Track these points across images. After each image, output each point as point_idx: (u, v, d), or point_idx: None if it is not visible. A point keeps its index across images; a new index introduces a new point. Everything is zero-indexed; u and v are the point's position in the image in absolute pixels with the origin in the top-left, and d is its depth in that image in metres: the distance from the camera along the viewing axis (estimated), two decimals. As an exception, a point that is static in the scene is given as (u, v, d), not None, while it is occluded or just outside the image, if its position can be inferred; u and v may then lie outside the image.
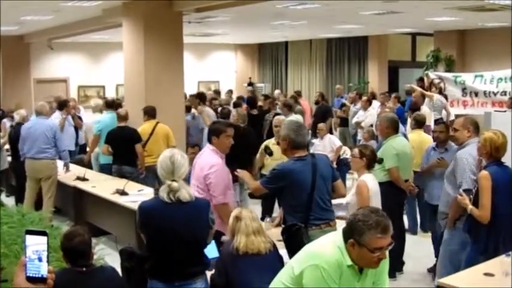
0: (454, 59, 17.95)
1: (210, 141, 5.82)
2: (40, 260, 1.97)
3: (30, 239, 1.98)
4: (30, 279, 1.97)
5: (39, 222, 6.54)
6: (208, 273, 4.55)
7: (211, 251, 4.85)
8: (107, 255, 5.83)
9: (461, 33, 18.07)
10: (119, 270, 4.43)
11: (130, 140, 9.51)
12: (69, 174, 9.80)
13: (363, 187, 5.79)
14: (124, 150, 9.48)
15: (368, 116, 12.85)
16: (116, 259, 4.89)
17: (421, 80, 16.23)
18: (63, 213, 9.53)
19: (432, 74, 15.53)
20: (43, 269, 1.97)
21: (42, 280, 1.97)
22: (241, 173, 5.71)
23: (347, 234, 3.35)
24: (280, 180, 5.17)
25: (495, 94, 14.17)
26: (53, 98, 14.52)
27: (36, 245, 1.98)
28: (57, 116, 11.86)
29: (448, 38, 18.03)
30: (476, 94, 14.62)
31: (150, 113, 9.96)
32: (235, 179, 8.10)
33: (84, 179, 9.29)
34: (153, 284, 4.27)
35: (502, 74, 14.26)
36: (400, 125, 8.68)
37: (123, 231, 8.07)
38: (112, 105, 11.07)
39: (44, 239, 1.98)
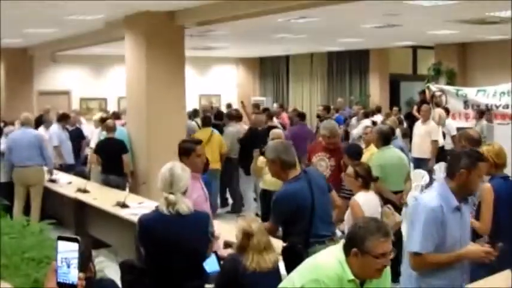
0: (456, 72, 17.98)
1: (181, 161, 5.31)
2: (70, 266, 1.98)
3: (61, 245, 2.00)
4: (61, 285, 1.98)
5: (40, 233, 6.54)
6: (207, 287, 4.53)
7: (211, 264, 4.83)
8: (106, 267, 5.82)
9: (462, 46, 18.12)
10: (118, 283, 4.43)
11: (117, 150, 10.06)
12: (70, 186, 9.95)
13: (354, 206, 5.77)
14: (111, 161, 10.02)
15: (359, 127, 12.92)
16: (116, 272, 4.89)
17: (422, 93, 16.26)
18: (64, 225, 9.54)
19: (433, 87, 15.55)
20: (72, 276, 1.98)
21: (71, 287, 1.98)
22: None
23: (349, 245, 3.35)
24: (285, 208, 4.96)
25: (497, 107, 14.18)
26: (43, 111, 14.66)
27: (66, 251, 1.99)
28: (55, 129, 11.92)
29: (449, 51, 18.08)
30: (478, 107, 14.63)
31: (203, 121, 11.43)
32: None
33: (85, 191, 9.31)
34: (152, 298, 4.27)
35: (504, 88, 14.28)
36: (398, 139, 8.73)
37: (123, 243, 8.06)
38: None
39: (75, 245, 2.00)
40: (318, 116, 15.20)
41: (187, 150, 5.49)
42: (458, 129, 12.26)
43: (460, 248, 4.05)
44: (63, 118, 12.36)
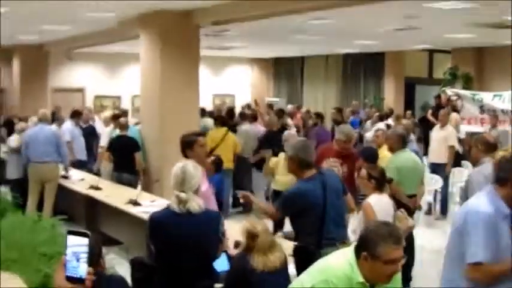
0: (472, 77, 17.85)
1: (185, 155, 5.51)
2: (79, 260, 1.97)
3: (71, 240, 1.98)
4: (69, 279, 1.96)
5: (52, 229, 6.55)
6: (217, 286, 4.52)
7: (221, 264, 4.82)
8: (117, 264, 5.81)
9: (478, 50, 18.00)
10: (128, 280, 4.41)
11: (129, 148, 10.09)
12: (83, 183, 9.96)
13: (366, 208, 5.74)
14: (123, 158, 10.06)
15: (373, 130, 12.94)
16: (126, 269, 4.88)
17: (438, 97, 16.16)
18: (76, 221, 9.55)
19: (449, 91, 15.45)
20: (81, 270, 1.97)
21: (80, 281, 1.96)
22: (257, 204, 5.70)
23: (359, 248, 3.31)
24: (294, 204, 5.03)
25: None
26: (54, 108, 14.71)
27: (76, 246, 1.97)
28: (68, 125, 11.99)
29: (465, 55, 17.96)
30: (494, 112, 14.50)
31: (218, 120, 11.35)
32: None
33: (97, 188, 9.33)
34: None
35: None
36: (413, 143, 8.66)
37: (134, 241, 8.06)
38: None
39: (85, 240, 1.98)
40: (334, 120, 14.83)
41: (189, 143, 5.59)
42: (473, 134, 12.18)
43: (507, 255, 3.86)
44: (76, 115, 12.49)
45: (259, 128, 12.14)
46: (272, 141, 10.36)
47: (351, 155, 7.50)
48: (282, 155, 8.53)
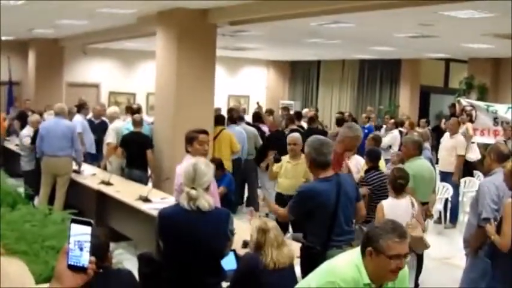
0: (488, 87, 17.76)
1: (187, 151, 6.02)
2: (81, 249, 1.97)
3: (74, 228, 1.98)
4: (71, 268, 1.97)
5: (62, 222, 6.57)
6: (224, 285, 4.51)
7: (229, 262, 4.81)
8: (125, 260, 5.82)
9: (495, 61, 17.89)
10: (136, 275, 4.42)
11: (142, 145, 10.10)
12: (94, 178, 10.01)
13: (378, 210, 5.75)
14: (136, 155, 10.06)
15: (388, 136, 13.05)
16: (134, 265, 4.88)
17: (452, 107, 16.09)
18: (85, 216, 9.52)
19: (464, 101, 15.37)
20: (84, 259, 1.97)
21: (82, 269, 1.97)
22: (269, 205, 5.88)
23: (364, 245, 3.34)
24: (306, 203, 4.98)
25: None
26: (79, 101, 14.78)
27: (79, 234, 1.98)
28: (78, 119, 12.04)
29: (482, 65, 17.86)
30: (508, 124, 14.42)
31: (215, 119, 11.04)
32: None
33: (108, 184, 9.35)
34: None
35: None
36: (427, 150, 8.62)
37: (143, 237, 8.07)
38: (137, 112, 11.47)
39: (88, 229, 1.98)
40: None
41: (190, 139, 5.98)
42: (486, 146, 12.11)
43: None
44: (81, 107, 12.61)
45: (264, 129, 12.26)
46: (275, 141, 10.30)
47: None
48: (285, 158, 8.43)
